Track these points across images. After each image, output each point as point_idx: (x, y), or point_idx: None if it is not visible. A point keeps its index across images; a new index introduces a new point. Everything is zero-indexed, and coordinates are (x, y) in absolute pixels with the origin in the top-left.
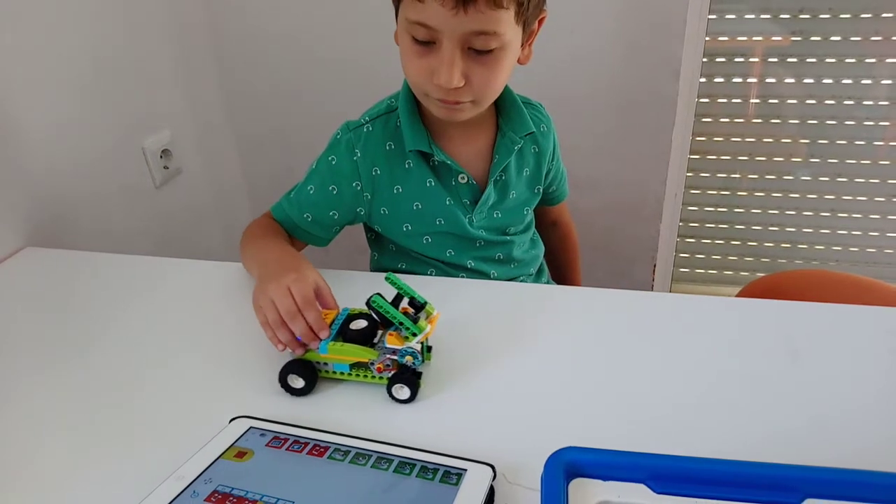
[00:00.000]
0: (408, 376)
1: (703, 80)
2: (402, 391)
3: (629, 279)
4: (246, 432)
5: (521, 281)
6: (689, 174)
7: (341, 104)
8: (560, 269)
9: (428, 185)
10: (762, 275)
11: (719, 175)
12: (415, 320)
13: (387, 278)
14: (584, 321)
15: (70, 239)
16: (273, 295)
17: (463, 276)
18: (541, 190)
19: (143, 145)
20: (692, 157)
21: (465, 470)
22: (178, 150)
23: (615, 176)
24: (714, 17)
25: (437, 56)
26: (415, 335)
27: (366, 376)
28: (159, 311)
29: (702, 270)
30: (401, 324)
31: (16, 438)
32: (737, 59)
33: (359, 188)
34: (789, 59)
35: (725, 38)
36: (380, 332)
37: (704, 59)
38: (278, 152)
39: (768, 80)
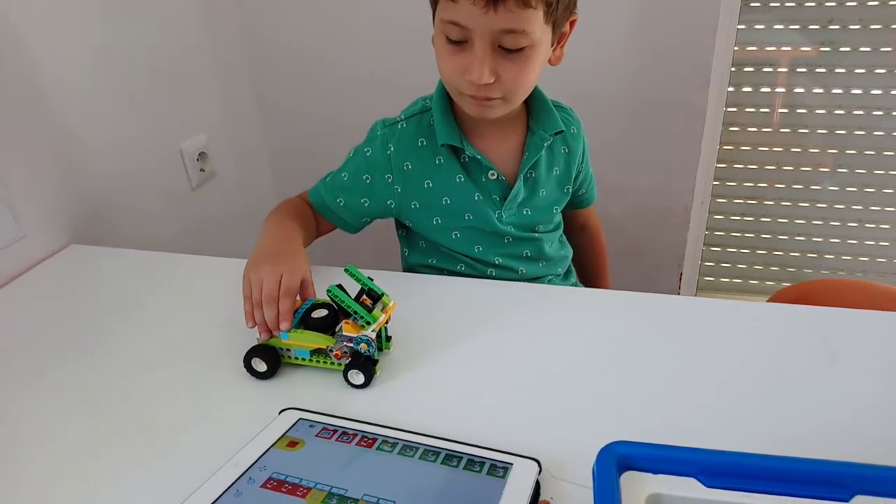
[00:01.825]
0: (362, 362)
1: (730, 89)
2: (357, 377)
3: (655, 286)
4: (296, 423)
5: (549, 281)
6: (715, 183)
7: (370, 118)
8: (589, 274)
9: (458, 180)
10: (787, 284)
11: (746, 184)
12: (371, 310)
13: (346, 270)
14: (611, 322)
15: (111, 237)
16: (264, 276)
17: (492, 272)
18: (570, 190)
19: (181, 147)
20: (719, 165)
21: (511, 464)
22: (213, 153)
23: (643, 183)
24: (743, 26)
25: (470, 54)
26: (369, 324)
27: (325, 362)
28: (194, 307)
29: (727, 279)
30: (355, 313)
31: (62, 428)
32: (765, 69)
33: (390, 181)
34: (818, 70)
35: (754, 48)
36: (342, 321)
37: (732, 69)
38: (307, 159)
39: (797, 90)
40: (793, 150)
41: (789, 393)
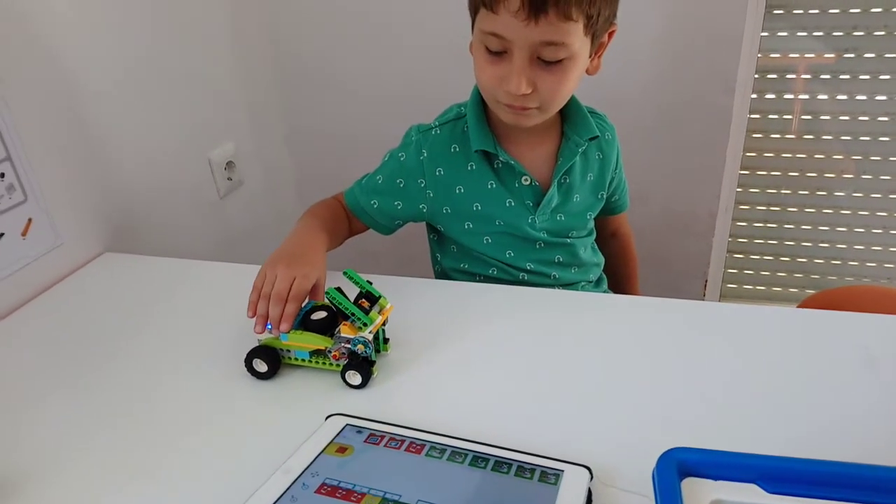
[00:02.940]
0: (360, 363)
1: (754, 95)
2: (355, 377)
3: (679, 294)
4: (343, 429)
5: (582, 288)
6: (738, 189)
7: (392, 129)
8: (619, 281)
9: (489, 186)
10: (811, 291)
11: (769, 191)
12: (368, 312)
13: (345, 273)
14: (644, 328)
15: (143, 245)
16: (278, 274)
17: (524, 277)
18: (604, 196)
19: (210, 157)
20: (742, 172)
21: (562, 471)
22: (240, 163)
23: (668, 190)
24: (766, 34)
25: (508, 64)
26: (366, 325)
27: (323, 363)
28: (222, 313)
29: (749, 287)
30: (353, 314)
31: (93, 436)
32: (788, 76)
33: (423, 185)
34: (842, 76)
35: (777, 55)
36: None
37: (756, 76)
38: (331, 167)
39: (820, 97)
40: (816, 156)
41: (831, 399)
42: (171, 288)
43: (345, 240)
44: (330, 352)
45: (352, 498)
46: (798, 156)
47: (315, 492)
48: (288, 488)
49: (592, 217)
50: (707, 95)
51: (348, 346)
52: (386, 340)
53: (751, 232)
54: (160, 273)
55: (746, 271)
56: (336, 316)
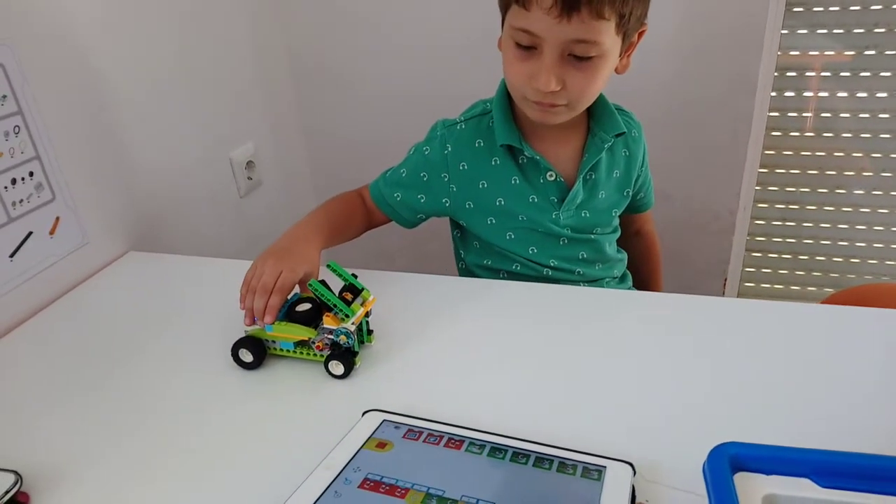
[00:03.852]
0: (341, 353)
1: (773, 93)
2: (337, 367)
3: (699, 293)
4: (381, 425)
5: (606, 284)
6: (756, 188)
7: (406, 131)
8: (642, 279)
9: (513, 182)
10: (830, 290)
11: (788, 189)
12: (350, 304)
13: (328, 266)
14: (667, 325)
15: (166, 244)
16: (266, 268)
17: (548, 273)
18: (630, 193)
19: (231, 156)
20: (761, 170)
21: (605, 467)
22: (259, 162)
23: (688, 189)
24: (786, 31)
25: (538, 61)
26: (348, 317)
27: (308, 354)
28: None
29: (767, 285)
30: (335, 306)
31: (118, 437)
32: (808, 73)
33: (446, 179)
34: (862, 74)
35: (797, 53)
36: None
37: (775, 74)
38: (346, 165)
39: (840, 94)
40: (835, 154)
41: (865, 395)
42: (195, 286)
43: (361, 232)
44: (313, 342)
45: (396, 493)
46: (817, 154)
47: (358, 487)
48: (331, 483)
49: (618, 214)
50: (727, 93)
51: (331, 336)
52: (370, 332)
53: (769, 230)
54: (184, 271)
55: (764, 270)
56: (321, 308)
